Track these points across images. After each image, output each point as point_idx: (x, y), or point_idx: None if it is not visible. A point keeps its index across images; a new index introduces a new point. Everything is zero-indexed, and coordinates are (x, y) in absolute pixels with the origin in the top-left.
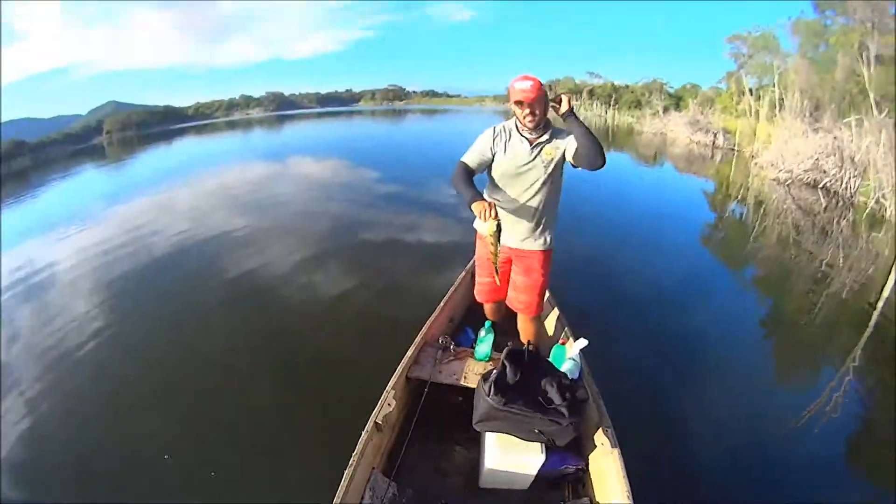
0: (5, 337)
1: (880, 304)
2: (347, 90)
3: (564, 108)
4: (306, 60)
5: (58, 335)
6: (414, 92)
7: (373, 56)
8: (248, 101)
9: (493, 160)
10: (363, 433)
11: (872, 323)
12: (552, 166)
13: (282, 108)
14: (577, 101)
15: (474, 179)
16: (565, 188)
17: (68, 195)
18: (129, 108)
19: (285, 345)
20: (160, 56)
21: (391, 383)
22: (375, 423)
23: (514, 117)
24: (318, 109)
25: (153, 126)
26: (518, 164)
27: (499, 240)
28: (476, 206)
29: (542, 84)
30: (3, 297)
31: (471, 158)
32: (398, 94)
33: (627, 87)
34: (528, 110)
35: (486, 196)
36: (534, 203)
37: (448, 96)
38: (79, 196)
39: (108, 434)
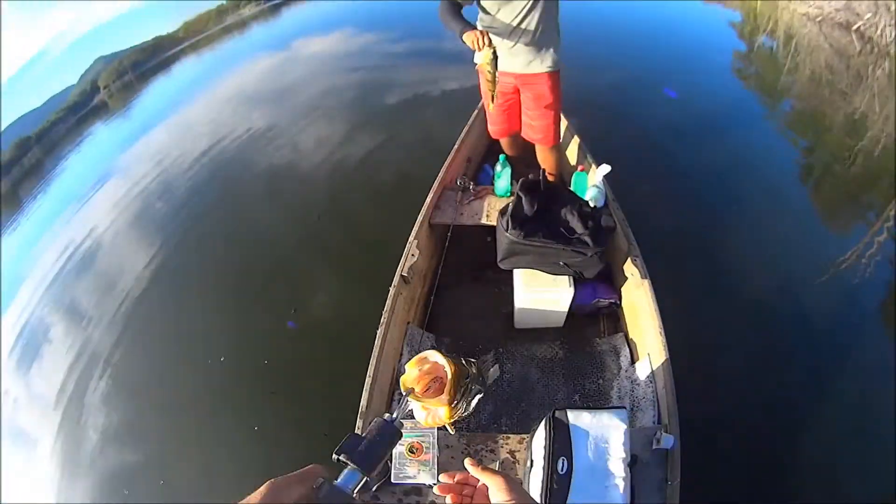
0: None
1: None
2: None
3: None
4: None
5: (124, 287)
6: None
7: None
8: (237, 2)
9: None
10: (391, 288)
11: None
12: None
13: None
14: None
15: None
16: (584, 19)
17: (87, 161)
18: (118, 56)
19: (319, 213)
20: None
21: (413, 233)
22: (402, 276)
23: None
24: None
25: (147, 62)
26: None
27: (496, 67)
28: (467, 37)
29: None
30: (62, 280)
31: None
32: None
33: None
34: None
35: (479, 27)
36: (532, 23)
37: None
38: (97, 156)
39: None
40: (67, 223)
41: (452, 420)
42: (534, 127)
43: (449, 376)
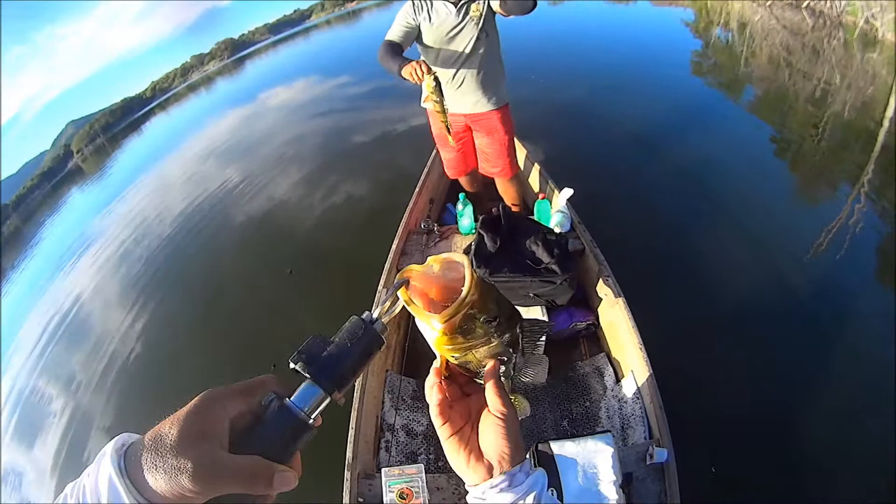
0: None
1: (886, 121)
2: (295, 10)
3: None
4: None
5: (110, 350)
6: None
7: None
8: (200, 60)
9: (419, 31)
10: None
11: (881, 139)
12: (482, 21)
13: (236, 51)
14: None
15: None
16: (533, 45)
17: (65, 226)
18: (88, 119)
19: (299, 262)
20: (99, 58)
21: (382, 280)
22: None
23: None
24: (273, 38)
25: (117, 124)
26: (447, 28)
27: (441, 95)
28: (405, 71)
29: None
30: (51, 346)
31: (395, 33)
32: None
33: None
34: None
35: None
36: (475, 63)
37: None
38: (75, 221)
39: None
40: (51, 290)
41: (445, 357)
42: (490, 162)
43: (462, 294)
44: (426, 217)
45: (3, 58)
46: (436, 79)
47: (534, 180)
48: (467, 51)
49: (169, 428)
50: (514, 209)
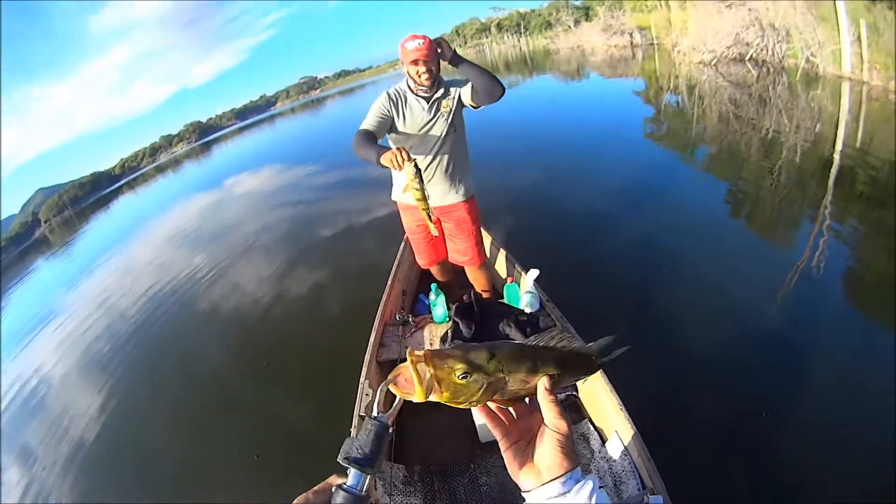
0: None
1: (836, 153)
2: (262, 96)
3: (447, 52)
4: (212, 82)
5: (68, 429)
6: (326, 77)
7: (277, 56)
8: (169, 140)
9: (392, 123)
10: (351, 429)
11: (834, 172)
12: (452, 116)
13: (203, 135)
14: (486, 38)
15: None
16: (489, 133)
17: (30, 298)
18: (57, 188)
19: (278, 353)
20: (70, 126)
21: (363, 373)
22: (359, 416)
23: (407, 79)
24: (239, 124)
25: (86, 198)
26: (420, 124)
27: (422, 180)
28: (385, 158)
29: (431, 40)
30: (9, 421)
31: (370, 123)
32: (311, 84)
33: (533, 11)
34: (423, 67)
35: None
36: (444, 157)
37: (360, 71)
38: (40, 293)
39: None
40: (12, 362)
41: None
42: (459, 251)
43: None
44: (400, 309)
45: None
46: (416, 166)
47: (501, 265)
48: (437, 144)
49: None
50: (485, 295)
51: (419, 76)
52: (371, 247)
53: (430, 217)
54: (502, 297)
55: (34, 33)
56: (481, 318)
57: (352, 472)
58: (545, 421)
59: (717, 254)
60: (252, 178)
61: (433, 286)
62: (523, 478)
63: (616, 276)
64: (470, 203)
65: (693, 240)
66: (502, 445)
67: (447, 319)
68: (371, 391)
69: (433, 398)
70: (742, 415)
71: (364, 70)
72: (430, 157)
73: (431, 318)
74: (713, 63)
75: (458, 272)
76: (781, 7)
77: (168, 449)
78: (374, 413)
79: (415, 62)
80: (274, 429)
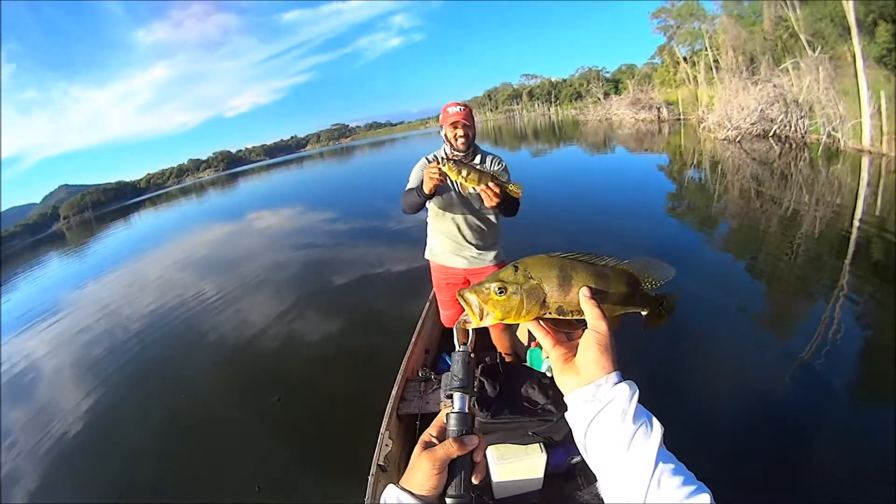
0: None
1: (854, 227)
2: (292, 137)
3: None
4: (246, 114)
5: (49, 422)
6: (358, 127)
7: (311, 99)
8: (197, 165)
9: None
10: (369, 477)
11: (852, 246)
12: None
13: (231, 165)
14: (517, 104)
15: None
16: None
17: (38, 288)
18: (81, 188)
19: (282, 393)
20: (102, 132)
21: (384, 424)
22: (378, 465)
23: (445, 144)
24: (267, 161)
25: (108, 204)
26: (455, 188)
27: (459, 163)
28: (426, 183)
29: (470, 109)
30: None
31: (412, 184)
32: (343, 131)
33: (565, 80)
34: (461, 131)
35: (429, 223)
36: (476, 221)
37: (391, 125)
38: (48, 286)
39: None
40: (5, 339)
41: (533, 320)
42: None
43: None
44: (423, 366)
45: (17, 96)
46: (448, 159)
47: (523, 331)
48: (471, 209)
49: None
50: (508, 358)
51: (456, 139)
52: (384, 299)
53: (476, 188)
54: (524, 361)
55: (82, 32)
56: (506, 379)
57: (455, 397)
58: (587, 323)
59: (734, 324)
60: (273, 216)
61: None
62: (563, 378)
63: (635, 346)
64: (499, 267)
65: (710, 311)
66: (550, 349)
67: None
68: (391, 442)
69: (490, 321)
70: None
71: (395, 125)
72: (463, 220)
73: None
74: (737, 140)
75: (480, 334)
76: (805, 82)
77: (145, 466)
78: (458, 348)
79: (454, 124)
80: (275, 464)
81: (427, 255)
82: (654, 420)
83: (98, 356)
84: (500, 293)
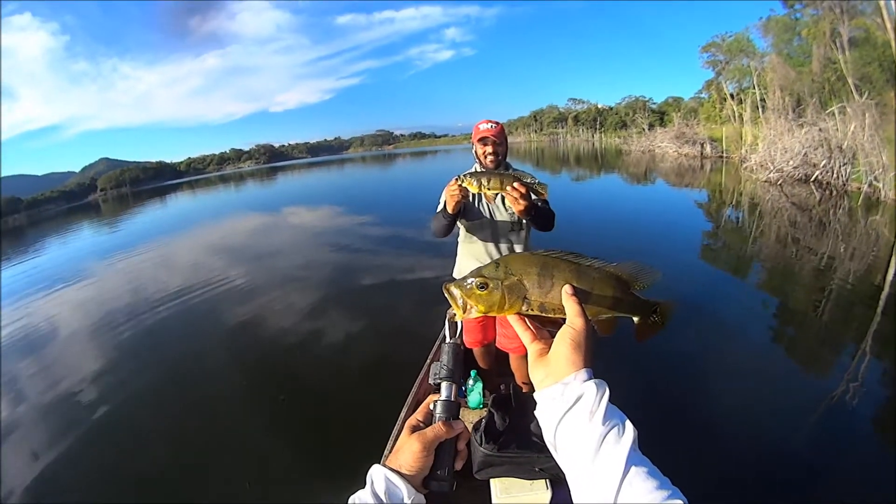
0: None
1: (887, 284)
2: (336, 138)
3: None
4: (292, 111)
5: (61, 390)
6: (402, 135)
7: (359, 103)
8: (238, 155)
9: (462, 206)
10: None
11: (882, 303)
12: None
13: (272, 159)
14: (562, 128)
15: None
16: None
17: (67, 253)
18: (121, 164)
19: (290, 393)
20: (148, 112)
21: (394, 432)
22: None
23: (475, 163)
24: (309, 159)
25: (146, 182)
26: (486, 207)
27: (479, 175)
28: (449, 202)
29: (502, 126)
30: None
31: (442, 205)
32: (386, 138)
33: (611, 108)
34: (490, 148)
35: (459, 243)
36: (505, 242)
37: (435, 136)
38: (78, 254)
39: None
40: (30, 300)
41: (515, 315)
42: (508, 336)
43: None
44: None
45: (69, 66)
46: (469, 175)
47: None
48: (500, 234)
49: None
50: (524, 388)
51: (485, 156)
52: (409, 310)
53: (497, 194)
54: None
55: (137, 12)
56: (517, 411)
57: (443, 385)
58: (566, 319)
59: (755, 370)
60: (308, 213)
61: (472, 372)
62: (534, 371)
63: (654, 383)
64: None
65: (732, 353)
66: (528, 343)
67: (481, 406)
68: None
69: (475, 314)
70: None
71: (439, 136)
72: (492, 241)
73: (465, 403)
74: (779, 182)
75: (499, 359)
76: (850, 128)
77: (148, 444)
78: (447, 340)
79: (483, 140)
80: (273, 462)
81: (455, 275)
82: (628, 422)
83: (117, 327)
84: (481, 288)
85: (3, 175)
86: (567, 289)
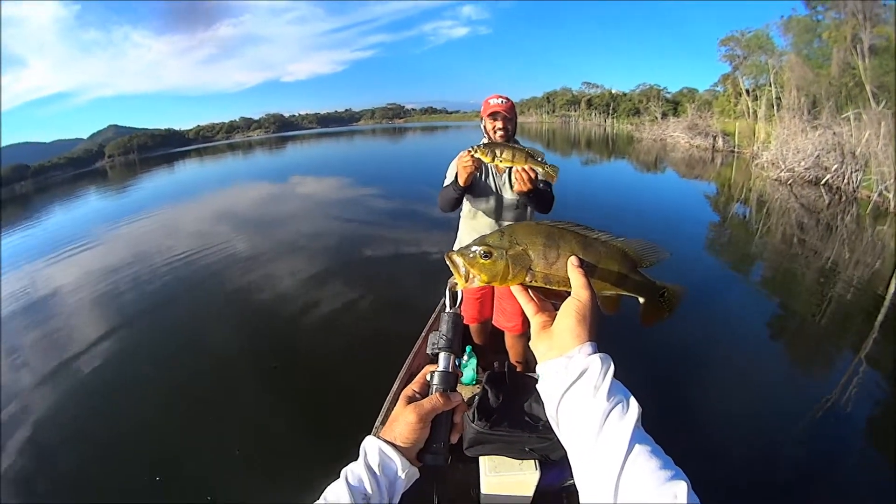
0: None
1: (889, 294)
2: (347, 109)
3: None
4: (303, 82)
5: (63, 354)
6: (413, 109)
7: (371, 75)
8: (248, 123)
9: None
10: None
11: (882, 313)
12: None
13: (282, 129)
14: (575, 111)
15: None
16: (562, 202)
17: (72, 218)
18: (130, 131)
19: (288, 360)
20: (158, 80)
21: (387, 401)
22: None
23: (483, 138)
24: (319, 130)
25: (155, 149)
26: (493, 182)
27: (492, 145)
28: (461, 174)
29: (513, 103)
30: (5, 318)
31: (450, 179)
32: (397, 112)
33: (625, 94)
34: (500, 123)
35: (461, 219)
36: (510, 218)
37: (447, 112)
38: (83, 219)
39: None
40: (35, 266)
41: (518, 285)
42: (506, 316)
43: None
44: (430, 362)
45: (80, 35)
46: (482, 146)
47: None
48: (506, 207)
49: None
50: (518, 367)
51: (494, 131)
52: (410, 282)
53: (506, 165)
54: (534, 373)
55: None
56: (511, 389)
57: (441, 356)
58: (571, 291)
59: (750, 371)
60: (316, 183)
61: (467, 348)
62: (536, 343)
63: (648, 373)
64: None
65: (729, 352)
66: (532, 315)
67: (474, 382)
68: None
69: (476, 283)
70: None
71: (451, 113)
72: (498, 215)
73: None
74: (788, 182)
75: (495, 337)
76: (865, 135)
77: (145, 407)
78: (448, 309)
79: (493, 115)
80: (262, 429)
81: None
82: (632, 399)
83: (120, 293)
84: (485, 257)
85: (11, 143)
86: (573, 260)
